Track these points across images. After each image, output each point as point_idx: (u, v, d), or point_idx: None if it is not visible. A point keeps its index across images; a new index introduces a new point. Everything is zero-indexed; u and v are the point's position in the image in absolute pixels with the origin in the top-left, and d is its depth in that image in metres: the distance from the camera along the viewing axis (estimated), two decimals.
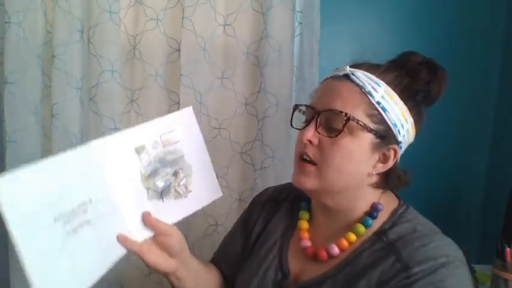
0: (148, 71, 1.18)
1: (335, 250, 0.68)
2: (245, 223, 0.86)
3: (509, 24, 1.44)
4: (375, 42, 1.41)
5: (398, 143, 0.67)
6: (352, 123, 0.64)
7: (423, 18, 1.41)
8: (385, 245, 0.64)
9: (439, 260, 0.59)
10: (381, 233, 0.66)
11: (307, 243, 0.73)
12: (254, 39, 1.19)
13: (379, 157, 0.67)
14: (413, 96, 0.68)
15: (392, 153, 0.67)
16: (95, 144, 0.65)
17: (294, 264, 0.74)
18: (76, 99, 1.08)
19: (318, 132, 0.66)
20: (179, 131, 0.73)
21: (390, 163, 0.67)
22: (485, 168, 1.52)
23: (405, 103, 0.66)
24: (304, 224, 0.76)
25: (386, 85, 0.66)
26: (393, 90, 0.66)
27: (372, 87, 0.65)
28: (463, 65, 1.41)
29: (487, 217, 1.51)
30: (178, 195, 0.73)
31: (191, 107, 0.75)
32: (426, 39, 1.38)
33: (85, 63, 1.09)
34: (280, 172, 1.21)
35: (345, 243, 0.68)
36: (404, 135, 0.67)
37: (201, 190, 0.75)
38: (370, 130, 0.64)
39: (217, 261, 0.87)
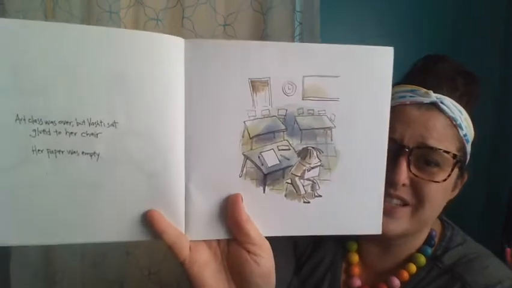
0: None
1: (397, 283, 0.63)
2: (295, 245, 0.74)
3: (509, 23, 1.44)
4: (375, 42, 1.41)
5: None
6: (453, 161, 0.58)
7: (423, 18, 1.41)
8: (442, 271, 0.62)
9: (505, 284, 0.57)
10: (435, 258, 0.63)
11: (357, 282, 0.66)
12: (254, 39, 1.19)
13: (452, 186, 0.63)
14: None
15: (462, 180, 0.64)
16: (175, 40, 0.39)
17: None
18: None
19: (415, 175, 0.57)
20: (349, 81, 0.42)
21: (457, 190, 0.64)
22: (485, 168, 1.52)
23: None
24: (355, 258, 0.68)
25: (465, 111, 0.60)
26: (469, 115, 0.61)
27: (460, 118, 0.59)
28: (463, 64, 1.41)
29: (487, 217, 1.51)
30: (294, 193, 0.43)
31: (392, 48, 0.46)
32: (426, 39, 1.39)
33: None
34: None
35: (406, 275, 0.63)
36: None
37: (344, 205, 0.44)
38: (465, 168, 0.61)
39: None
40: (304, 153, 0.43)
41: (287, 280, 0.69)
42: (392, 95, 0.58)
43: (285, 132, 0.42)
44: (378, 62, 0.44)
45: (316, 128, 0.42)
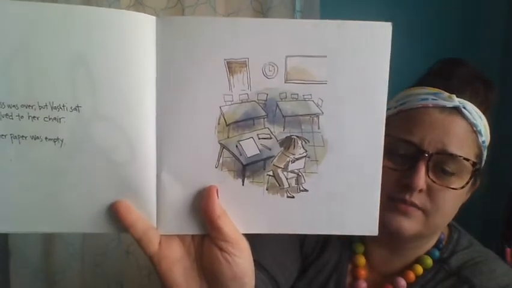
0: None
1: (403, 283, 0.62)
2: (302, 244, 0.72)
3: (510, 22, 1.44)
4: None
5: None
6: (472, 168, 0.56)
7: (423, 18, 1.41)
8: (449, 273, 0.61)
9: None
10: (441, 261, 0.63)
11: (363, 285, 0.65)
12: None
13: (466, 192, 0.62)
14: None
15: (474, 187, 0.63)
16: (145, 18, 0.36)
17: None
18: None
19: (432, 180, 0.56)
20: (339, 62, 0.37)
21: (469, 195, 0.63)
22: (485, 167, 1.52)
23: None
24: (361, 260, 0.66)
25: (484, 117, 0.59)
26: (487, 121, 0.60)
27: (480, 124, 0.58)
28: None
29: (487, 217, 1.51)
30: (277, 186, 0.39)
31: (390, 23, 0.39)
32: (426, 39, 1.39)
33: None
34: None
35: (412, 276, 0.62)
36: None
37: (333, 201, 0.39)
38: (479, 174, 0.60)
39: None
40: (287, 143, 0.38)
41: (292, 279, 0.68)
42: (413, 96, 0.60)
43: (265, 119, 0.38)
44: (373, 40, 0.38)
45: (301, 115, 0.38)
